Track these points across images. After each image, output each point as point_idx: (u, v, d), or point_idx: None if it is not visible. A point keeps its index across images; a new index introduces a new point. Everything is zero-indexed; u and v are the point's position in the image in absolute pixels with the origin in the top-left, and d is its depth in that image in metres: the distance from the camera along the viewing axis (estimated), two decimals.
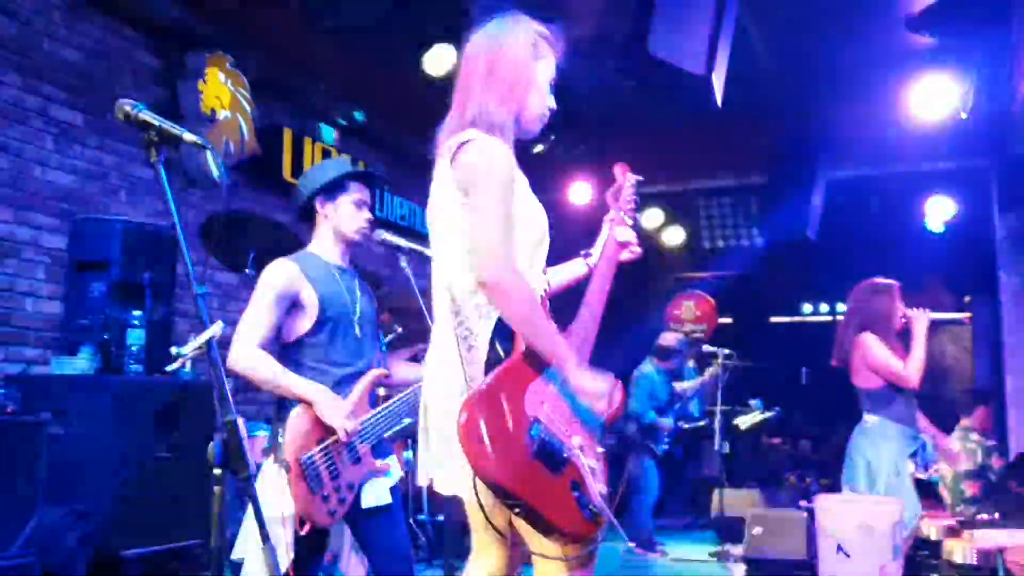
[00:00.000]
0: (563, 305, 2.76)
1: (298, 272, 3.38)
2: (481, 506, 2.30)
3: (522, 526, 2.38)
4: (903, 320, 4.94)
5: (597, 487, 2.41)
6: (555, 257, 2.74)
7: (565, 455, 2.35)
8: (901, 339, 4.92)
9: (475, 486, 2.28)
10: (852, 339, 4.96)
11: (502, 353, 2.40)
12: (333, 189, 3.54)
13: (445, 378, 2.48)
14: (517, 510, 2.29)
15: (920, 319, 4.90)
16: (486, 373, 2.37)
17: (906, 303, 5.01)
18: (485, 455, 2.22)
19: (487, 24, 2.69)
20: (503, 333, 2.41)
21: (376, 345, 3.65)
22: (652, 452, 8.00)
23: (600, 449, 2.49)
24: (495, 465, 2.23)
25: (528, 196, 2.57)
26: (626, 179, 3.00)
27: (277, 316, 3.33)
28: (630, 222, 2.90)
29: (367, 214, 3.59)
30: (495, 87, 2.57)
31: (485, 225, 2.38)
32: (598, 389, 2.41)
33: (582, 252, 2.96)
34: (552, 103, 2.69)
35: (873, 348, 4.86)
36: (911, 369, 4.78)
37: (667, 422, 8.11)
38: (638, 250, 2.86)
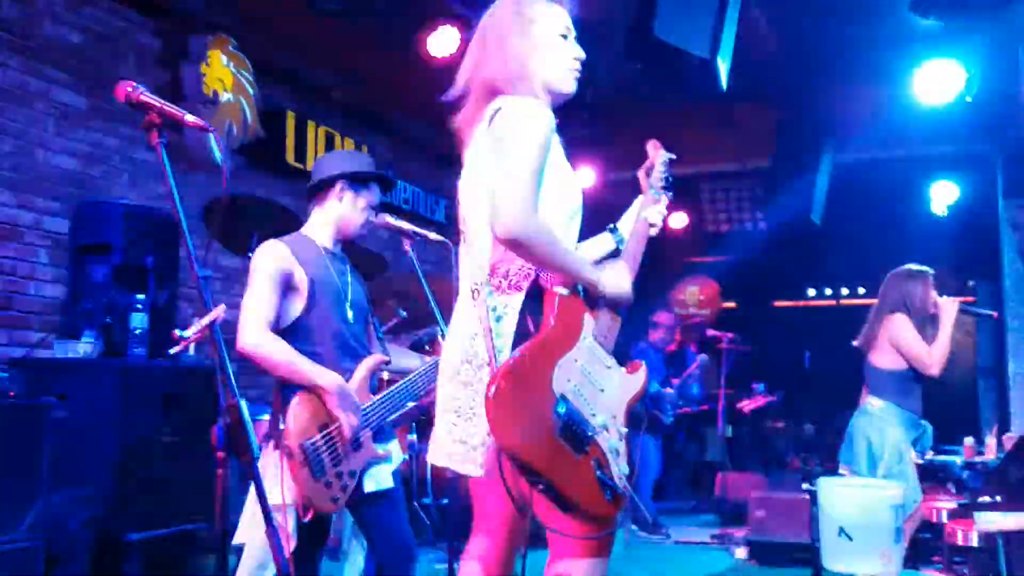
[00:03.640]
0: None
1: (288, 252, 3.36)
2: (503, 480, 2.28)
3: (541, 504, 2.37)
4: (933, 308, 4.96)
5: (620, 468, 2.41)
6: None
7: (589, 434, 2.35)
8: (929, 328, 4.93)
9: (499, 460, 2.27)
10: (882, 318, 4.96)
11: (532, 327, 2.39)
12: (360, 183, 3.53)
13: (468, 350, 2.47)
14: (540, 487, 2.29)
15: (949, 308, 4.91)
16: (514, 347, 2.36)
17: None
18: (512, 428, 2.22)
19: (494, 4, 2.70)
20: (533, 307, 2.40)
21: (369, 330, 3.63)
22: (653, 429, 8.05)
23: (624, 429, 2.48)
24: (521, 439, 2.23)
25: (564, 164, 2.57)
26: (658, 156, 2.95)
27: (278, 297, 3.31)
28: (663, 200, 2.86)
29: (372, 218, 3.61)
30: (499, 66, 2.58)
31: (510, 176, 2.36)
32: (623, 286, 2.51)
33: (609, 226, 2.92)
34: (578, 52, 2.65)
35: (904, 328, 4.87)
36: (936, 356, 4.80)
37: (670, 392, 8.24)
38: (658, 226, 2.82)
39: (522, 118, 2.44)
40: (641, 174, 2.94)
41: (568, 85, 2.65)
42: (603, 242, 2.91)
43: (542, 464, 2.25)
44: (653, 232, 2.80)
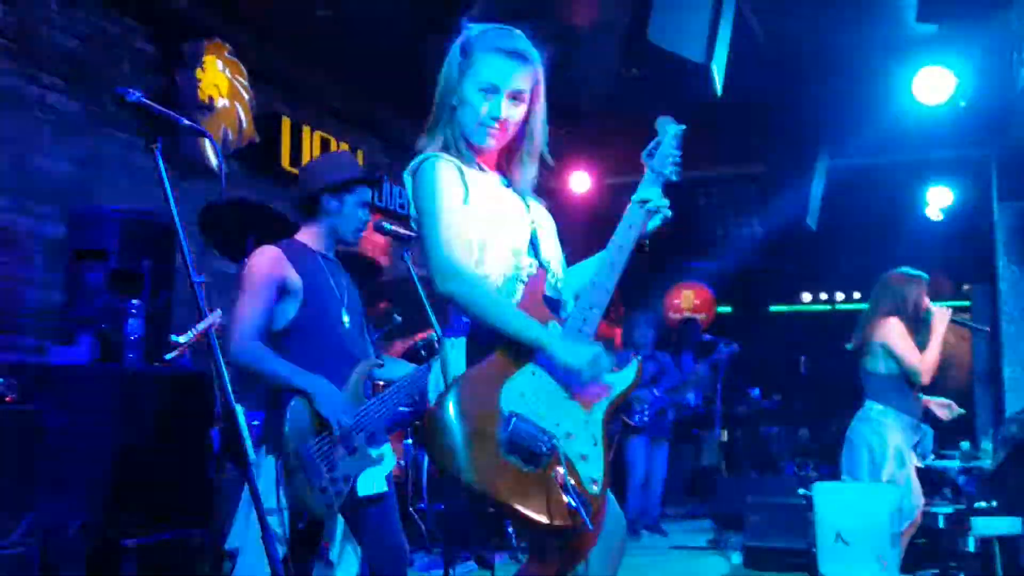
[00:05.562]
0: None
1: (281, 257, 3.37)
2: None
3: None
4: (924, 313, 4.97)
5: (589, 473, 2.33)
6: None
7: (545, 447, 2.28)
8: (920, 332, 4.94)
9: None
10: (877, 322, 4.95)
11: (482, 349, 2.38)
12: (343, 190, 3.53)
13: (436, 374, 2.49)
14: (491, 509, 2.27)
15: (941, 318, 4.92)
16: (468, 366, 2.38)
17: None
18: (447, 452, 2.21)
19: None
20: (484, 329, 2.38)
21: (365, 335, 3.64)
22: (635, 429, 8.03)
23: (596, 433, 2.39)
24: (460, 464, 2.21)
25: (489, 196, 2.53)
26: (666, 132, 2.75)
27: (269, 303, 3.32)
28: (663, 181, 2.65)
29: (367, 217, 3.60)
30: (435, 107, 2.61)
31: (429, 244, 2.41)
32: (581, 361, 2.33)
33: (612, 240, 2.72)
34: (494, 111, 2.52)
35: (897, 333, 4.87)
36: (926, 364, 4.81)
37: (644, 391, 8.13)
38: (662, 210, 2.60)
39: (421, 183, 2.47)
40: (645, 156, 2.71)
41: (480, 140, 2.56)
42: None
43: (486, 486, 2.22)
44: (656, 220, 2.60)
